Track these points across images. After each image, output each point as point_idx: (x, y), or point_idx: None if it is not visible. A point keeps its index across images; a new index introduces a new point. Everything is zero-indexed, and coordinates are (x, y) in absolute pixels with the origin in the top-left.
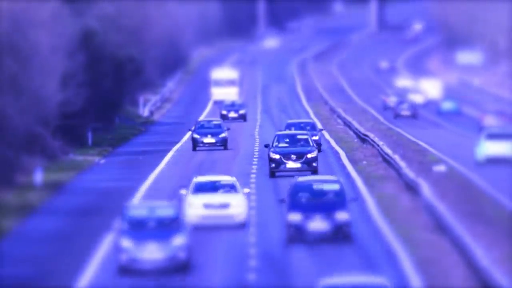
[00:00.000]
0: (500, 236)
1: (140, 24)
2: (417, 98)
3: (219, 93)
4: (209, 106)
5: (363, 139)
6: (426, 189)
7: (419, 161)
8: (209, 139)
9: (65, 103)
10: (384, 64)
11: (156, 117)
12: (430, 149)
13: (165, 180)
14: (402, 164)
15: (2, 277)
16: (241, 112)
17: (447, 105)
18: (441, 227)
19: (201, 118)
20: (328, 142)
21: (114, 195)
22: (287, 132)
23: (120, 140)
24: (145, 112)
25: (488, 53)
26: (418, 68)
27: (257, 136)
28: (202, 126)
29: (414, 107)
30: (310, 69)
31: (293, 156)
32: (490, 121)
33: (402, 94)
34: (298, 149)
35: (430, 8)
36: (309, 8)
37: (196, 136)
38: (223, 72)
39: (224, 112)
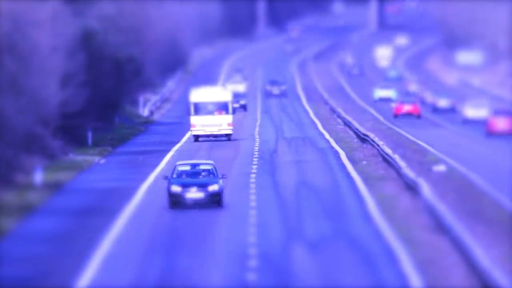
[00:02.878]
0: (500, 236)
1: (140, 24)
2: (383, 63)
3: (201, 125)
4: None
5: (363, 139)
6: (426, 189)
7: (419, 161)
8: None
9: (65, 103)
10: (413, 87)
11: (156, 117)
12: (430, 149)
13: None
14: (402, 164)
15: (2, 277)
16: (212, 188)
17: (392, 73)
18: (441, 227)
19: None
20: (328, 142)
21: (114, 195)
22: None
23: (120, 140)
24: (145, 112)
25: (488, 53)
26: (418, 68)
27: (257, 136)
28: None
29: (362, 68)
30: (310, 69)
31: None
32: (412, 88)
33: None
34: None
35: (430, 8)
36: (309, 8)
37: None
38: (209, 93)
39: (177, 188)
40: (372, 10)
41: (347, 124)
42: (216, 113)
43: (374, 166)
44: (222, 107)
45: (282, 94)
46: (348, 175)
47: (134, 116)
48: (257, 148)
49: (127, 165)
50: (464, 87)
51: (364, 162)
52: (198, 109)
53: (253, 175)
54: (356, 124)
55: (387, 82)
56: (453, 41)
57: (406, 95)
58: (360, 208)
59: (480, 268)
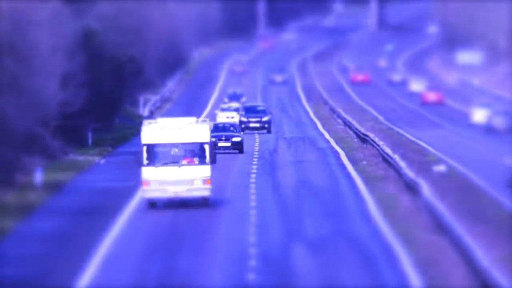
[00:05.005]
0: (500, 236)
1: (140, 24)
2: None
3: (160, 182)
4: (209, 106)
5: (363, 139)
6: (426, 189)
7: (419, 161)
8: None
9: (65, 103)
10: (383, 63)
11: (156, 117)
12: (430, 149)
13: None
14: (402, 164)
15: (2, 277)
16: None
17: (389, 47)
18: (441, 227)
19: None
20: (328, 142)
21: (114, 195)
22: None
23: (120, 140)
24: (145, 112)
25: (488, 53)
26: (418, 68)
27: (257, 136)
28: None
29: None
30: (310, 69)
31: None
32: (382, 63)
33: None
34: None
35: (430, 8)
36: (309, 8)
37: None
38: (173, 127)
39: None
40: (372, 10)
41: (347, 124)
42: (184, 161)
43: (374, 166)
44: (195, 152)
45: (264, 127)
46: (348, 175)
47: (134, 116)
48: (257, 148)
49: (127, 165)
50: (464, 87)
51: (364, 162)
52: (155, 155)
53: (253, 175)
54: (356, 124)
55: (384, 54)
56: (453, 41)
57: (360, 68)
58: (360, 208)
59: (480, 268)
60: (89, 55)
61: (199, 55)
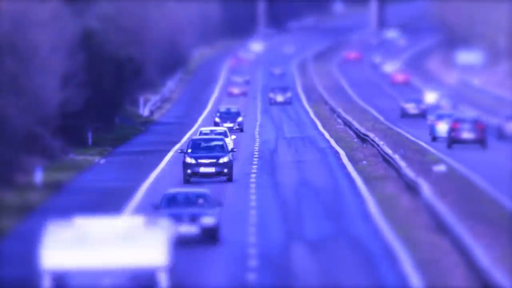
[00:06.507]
0: (500, 236)
1: (140, 24)
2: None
3: None
4: (209, 106)
5: (363, 139)
6: (426, 189)
7: (419, 161)
8: None
9: (65, 103)
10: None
11: (156, 116)
12: (430, 149)
13: (166, 180)
14: (402, 164)
15: (1, 277)
16: None
17: (391, 34)
18: (441, 227)
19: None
20: (328, 141)
21: (114, 195)
22: None
23: (120, 140)
24: (145, 112)
25: (488, 53)
26: (418, 68)
27: (257, 136)
28: None
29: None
30: (310, 69)
31: None
32: (401, 43)
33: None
34: None
35: (430, 8)
36: (309, 8)
37: None
38: (104, 233)
39: None
40: (372, 10)
41: (347, 124)
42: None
43: (374, 166)
44: (141, 285)
45: (222, 173)
46: (348, 175)
47: (134, 116)
48: (257, 148)
49: (127, 165)
50: (464, 87)
51: (364, 162)
52: None
53: (253, 175)
54: (356, 124)
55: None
56: (453, 41)
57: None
58: (360, 208)
59: (480, 268)
60: (89, 55)
61: (199, 55)
